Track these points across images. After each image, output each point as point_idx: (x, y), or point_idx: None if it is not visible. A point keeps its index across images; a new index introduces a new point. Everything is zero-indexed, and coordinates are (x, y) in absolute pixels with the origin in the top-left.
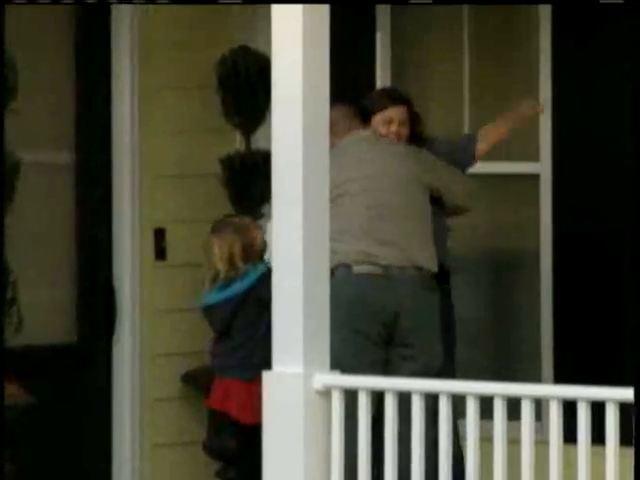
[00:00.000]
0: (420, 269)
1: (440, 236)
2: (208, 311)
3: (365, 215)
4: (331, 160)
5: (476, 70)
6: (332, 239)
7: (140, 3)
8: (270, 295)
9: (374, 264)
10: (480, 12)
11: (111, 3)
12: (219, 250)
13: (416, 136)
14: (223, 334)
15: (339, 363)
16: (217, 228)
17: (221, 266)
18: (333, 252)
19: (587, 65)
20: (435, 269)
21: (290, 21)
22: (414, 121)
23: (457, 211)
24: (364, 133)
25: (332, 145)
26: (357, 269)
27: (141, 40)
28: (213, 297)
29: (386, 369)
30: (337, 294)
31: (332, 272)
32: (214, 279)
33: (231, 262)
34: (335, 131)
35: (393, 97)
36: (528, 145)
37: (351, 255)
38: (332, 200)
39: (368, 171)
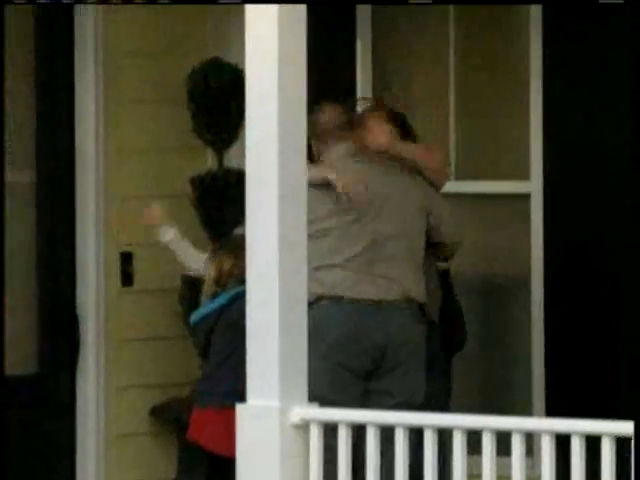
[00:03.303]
0: (411, 301)
1: (431, 277)
2: (191, 331)
3: (360, 245)
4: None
5: (463, 75)
6: (320, 267)
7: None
8: (243, 319)
9: (365, 295)
10: (467, 14)
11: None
12: (226, 266)
13: None
14: (204, 357)
15: (320, 398)
16: (225, 245)
17: (211, 284)
18: (318, 282)
19: (581, 76)
20: (425, 300)
21: (265, 31)
22: (405, 138)
23: (446, 249)
24: (351, 147)
25: (318, 156)
26: (346, 299)
27: (106, 49)
28: (195, 315)
29: (364, 403)
30: (321, 325)
31: (314, 302)
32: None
33: (218, 281)
34: (324, 140)
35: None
36: (518, 162)
37: (340, 286)
38: (320, 225)
39: (368, 195)
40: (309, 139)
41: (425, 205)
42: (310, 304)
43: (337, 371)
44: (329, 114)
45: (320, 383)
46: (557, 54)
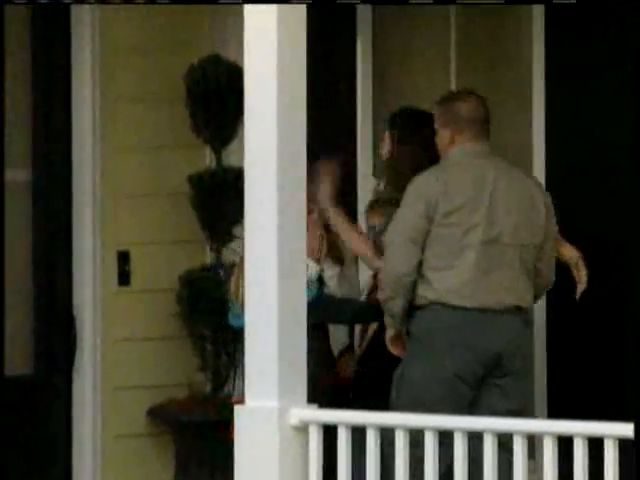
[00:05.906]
0: (521, 308)
1: None
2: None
3: (478, 250)
4: (440, 173)
5: (464, 77)
6: (432, 268)
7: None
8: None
9: (479, 303)
10: (468, 14)
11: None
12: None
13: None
14: None
15: (430, 409)
16: None
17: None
18: (431, 286)
19: (584, 79)
20: (533, 303)
21: (264, 28)
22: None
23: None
24: (478, 147)
25: (450, 142)
26: (460, 304)
27: (103, 47)
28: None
29: (471, 410)
30: (432, 331)
31: (425, 306)
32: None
33: None
34: (459, 130)
35: None
36: (520, 166)
37: (454, 291)
38: (439, 222)
39: (493, 197)
40: (434, 127)
41: (544, 222)
42: (420, 308)
43: (452, 382)
44: (475, 104)
45: (434, 394)
46: (559, 57)
